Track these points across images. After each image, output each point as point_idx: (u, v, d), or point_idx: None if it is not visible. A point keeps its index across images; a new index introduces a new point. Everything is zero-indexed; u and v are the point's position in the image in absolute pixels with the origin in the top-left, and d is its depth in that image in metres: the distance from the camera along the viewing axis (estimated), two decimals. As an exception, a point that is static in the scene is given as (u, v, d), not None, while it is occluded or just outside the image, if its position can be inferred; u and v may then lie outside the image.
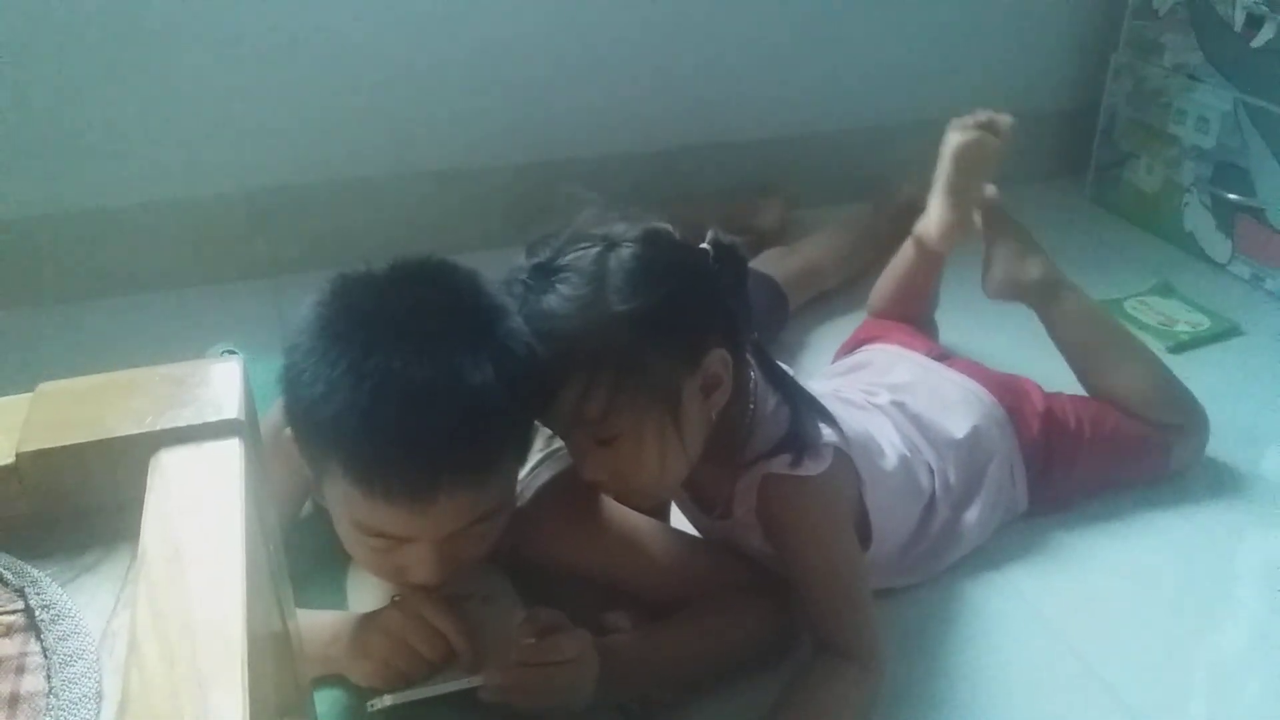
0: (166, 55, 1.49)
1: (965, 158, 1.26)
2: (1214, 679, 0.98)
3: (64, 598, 0.45)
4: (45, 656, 0.42)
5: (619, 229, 0.84)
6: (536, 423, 0.84)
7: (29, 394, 0.52)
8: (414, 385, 0.71)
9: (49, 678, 0.41)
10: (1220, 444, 1.25)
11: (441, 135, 1.67)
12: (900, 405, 1.09)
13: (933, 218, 1.28)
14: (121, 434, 0.48)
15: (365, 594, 0.92)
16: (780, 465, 0.89)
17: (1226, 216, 1.67)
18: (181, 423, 0.49)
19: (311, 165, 1.63)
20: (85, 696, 0.40)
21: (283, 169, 1.62)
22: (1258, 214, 1.61)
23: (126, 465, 0.48)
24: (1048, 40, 1.93)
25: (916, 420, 1.08)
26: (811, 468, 0.89)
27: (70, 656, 0.42)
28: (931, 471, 1.05)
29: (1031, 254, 1.26)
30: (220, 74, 1.53)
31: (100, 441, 0.48)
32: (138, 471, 0.48)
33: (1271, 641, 1.01)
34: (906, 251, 1.33)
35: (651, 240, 0.83)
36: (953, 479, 1.06)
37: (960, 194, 1.27)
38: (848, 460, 0.93)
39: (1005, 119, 1.26)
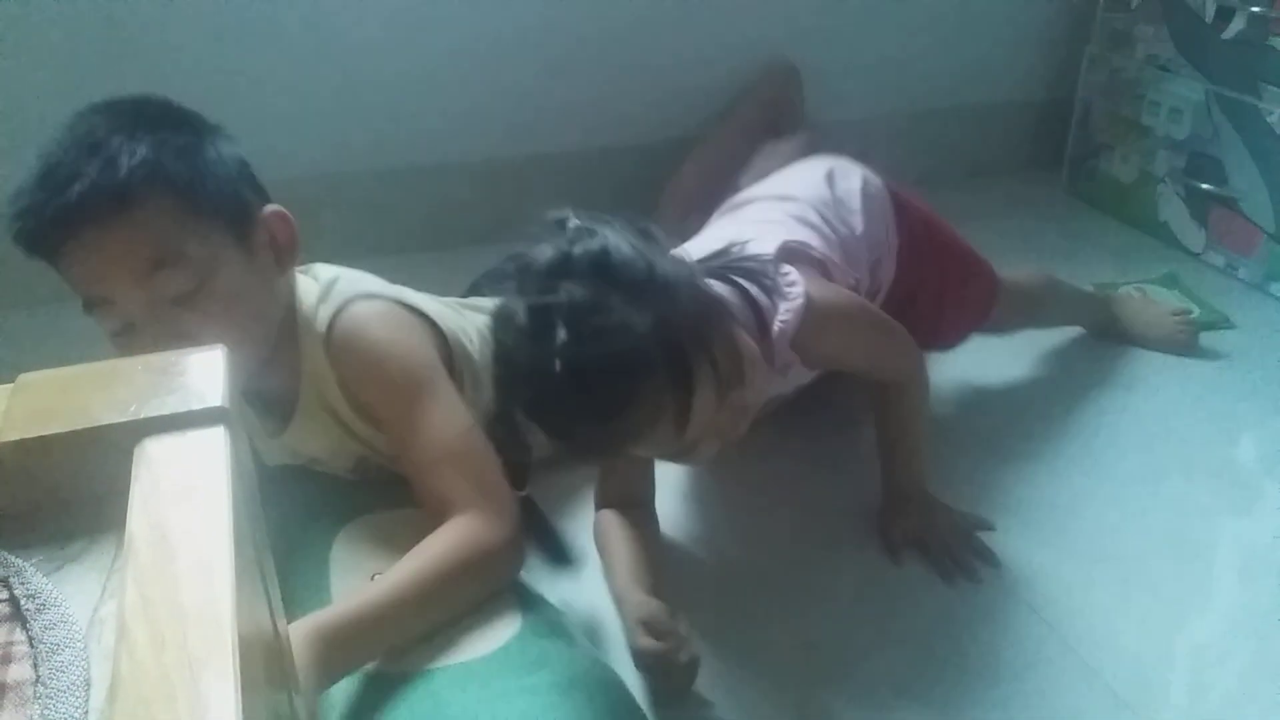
0: (147, 51, 1.48)
1: None
2: (1193, 660, 0.99)
3: (49, 587, 0.44)
4: (31, 645, 0.42)
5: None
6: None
7: (8, 385, 0.51)
8: (60, 149, 0.84)
9: (36, 666, 0.41)
10: (1197, 430, 1.27)
11: (427, 131, 1.67)
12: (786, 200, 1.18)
13: None
14: (105, 423, 0.48)
15: (350, 578, 0.92)
16: (788, 319, 0.99)
17: (1200, 206, 1.69)
18: (166, 411, 0.48)
19: (293, 161, 1.62)
20: (73, 684, 0.40)
21: (262, 165, 1.60)
22: (1231, 204, 1.63)
23: (110, 454, 0.48)
24: (1022, 32, 1.95)
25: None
26: (798, 294, 0.99)
27: (57, 645, 0.41)
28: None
29: None
30: (202, 69, 1.52)
31: (83, 430, 0.48)
32: (122, 461, 0.47)
33: (1248, 626, 1.03)
34: None
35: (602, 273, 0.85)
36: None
37: None
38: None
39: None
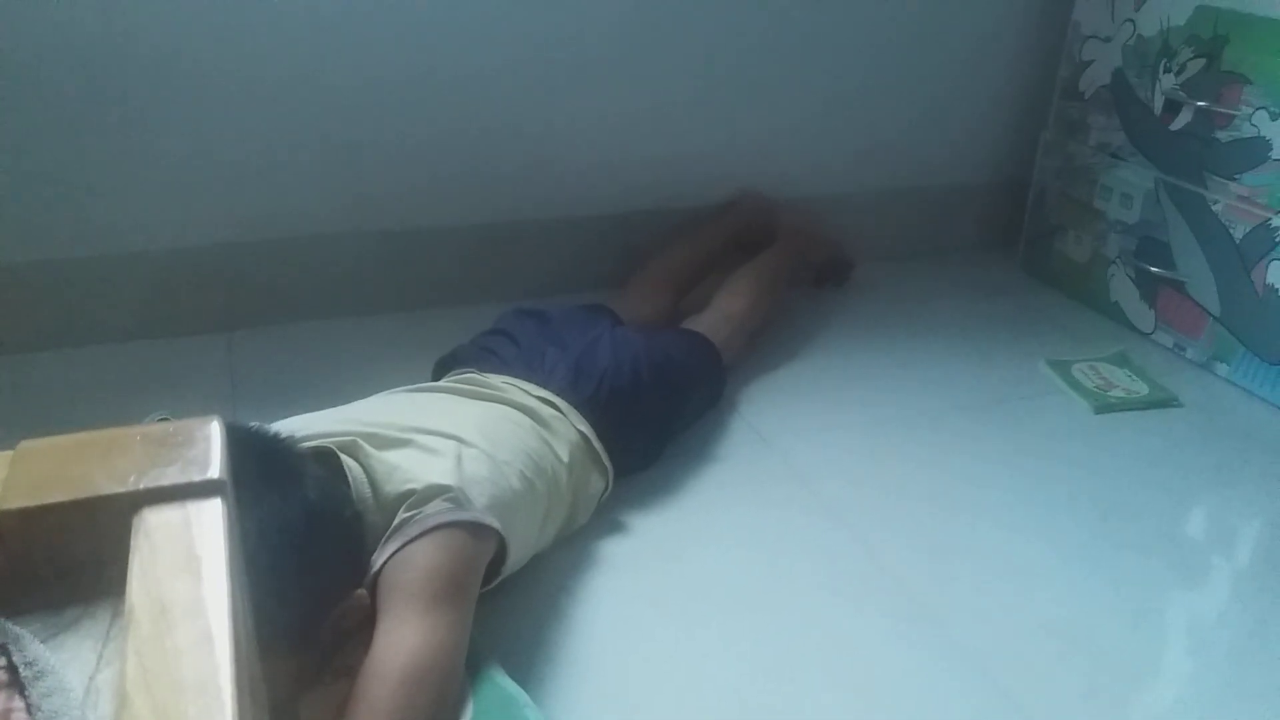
0: (125, 111, 1.50)
1: None
2: (1145, 733, 1.02)
3: (47, 654, 0.45)
4: (30, 713, 0.43)
5: None
6: None
7: (8, 451, 0.53)
8: None
9: (34, 734, 0.42)
10: (1146, 504, 1.31)
11: (395, 195, 1.69)
12: None
13: None
14: (105, 493, 0.49)
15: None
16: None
17: (1150, 288, 1.76)
18: (165, 482, 0.50)
19: (266, 222, 1.64)
20: (71, 752, 0.41)
21: (237, 225, 1.62)
22: (1178, 287, 1.70)
23: (108, 524, 0.49)
24: (982, 118, 2.03)
25: None
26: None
27: (55, 712, 0.42)
28: None
29: None
30: (176, 131, 1.54)
31: (83, 500, 0.49)
32: (119, 530, 0.49)
33: (1197, 699, 1.06)
34: None
35: None
36: None
37: None
38: None
39: None
